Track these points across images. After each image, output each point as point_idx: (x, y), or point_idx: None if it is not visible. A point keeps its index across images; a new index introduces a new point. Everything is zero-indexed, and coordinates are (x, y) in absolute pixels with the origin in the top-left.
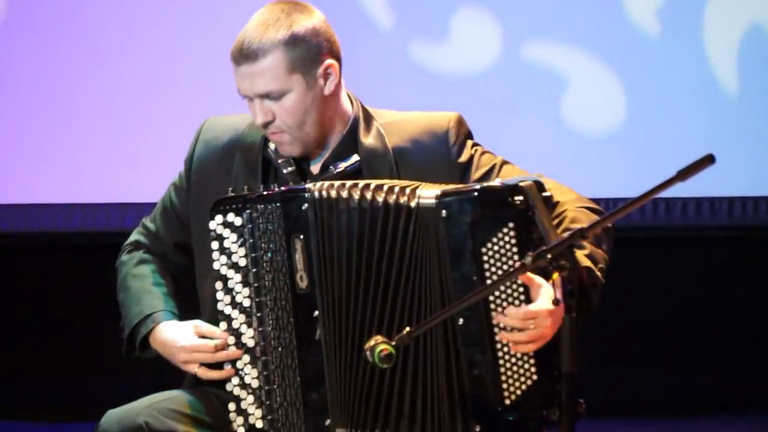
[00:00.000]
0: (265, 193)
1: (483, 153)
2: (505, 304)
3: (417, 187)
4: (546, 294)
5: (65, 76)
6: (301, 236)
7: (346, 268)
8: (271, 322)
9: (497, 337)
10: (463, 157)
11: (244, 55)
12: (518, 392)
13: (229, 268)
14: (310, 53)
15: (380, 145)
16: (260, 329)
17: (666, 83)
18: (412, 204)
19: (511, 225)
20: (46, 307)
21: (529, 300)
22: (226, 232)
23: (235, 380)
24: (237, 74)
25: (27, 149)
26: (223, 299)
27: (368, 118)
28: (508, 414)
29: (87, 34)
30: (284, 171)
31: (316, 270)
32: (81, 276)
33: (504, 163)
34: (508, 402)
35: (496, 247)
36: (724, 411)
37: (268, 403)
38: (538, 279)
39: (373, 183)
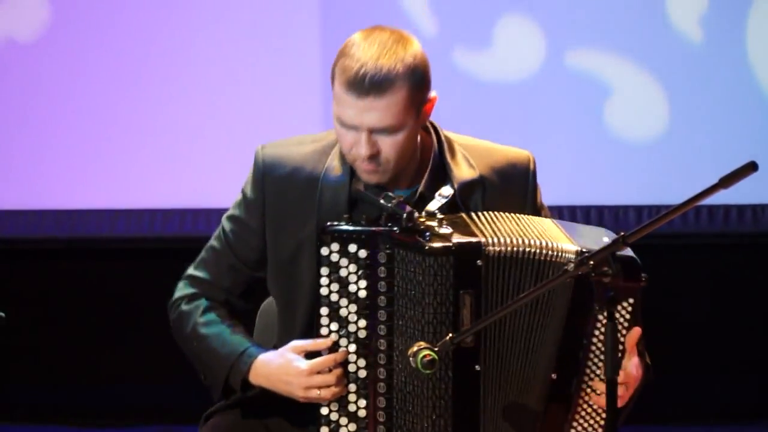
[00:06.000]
0: (417, 241)
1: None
2: (600, 366)
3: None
4: (634, 363)
5: (110, 85)
6: (471, 291)
7: (508, 323)
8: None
9: (583, 397)
10: (538, 200)
11: (372, 87)
12: None
13: (342, 297)
14: (424, 86)
15: (472, 173)
16: (389, 367)
17: (709, 90)
18: (563, 260)
19: (631, 300)
20: (105, 313)
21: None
22: (344, 261)
23: (334, 406)
24: (350, 104)
25: (70, 155)
26: (329, 325)
27: (450, 143)
28: None
29: (134, 42)
30: (389, 204)
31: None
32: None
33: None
34: None
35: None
36: None
37: None
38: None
39: (532, 237)
